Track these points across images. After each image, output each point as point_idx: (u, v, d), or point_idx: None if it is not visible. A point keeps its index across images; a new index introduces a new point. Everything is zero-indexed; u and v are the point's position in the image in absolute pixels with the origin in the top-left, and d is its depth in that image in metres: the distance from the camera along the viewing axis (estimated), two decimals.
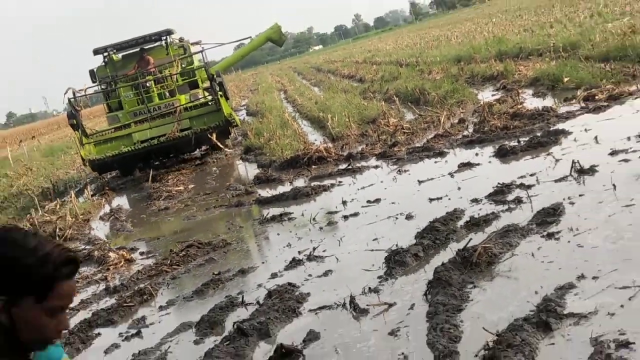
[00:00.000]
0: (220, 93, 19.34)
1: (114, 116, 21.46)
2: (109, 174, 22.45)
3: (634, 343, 4.70)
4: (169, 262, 10.17)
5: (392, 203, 10.39)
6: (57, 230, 14.81)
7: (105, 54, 22.36)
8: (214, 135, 19.11)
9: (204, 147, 21.59)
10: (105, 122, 22.97)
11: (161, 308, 8.44)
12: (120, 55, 22.93)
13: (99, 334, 8.03)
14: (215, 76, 19.86)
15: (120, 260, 11.13)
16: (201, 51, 22.91)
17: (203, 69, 21.66)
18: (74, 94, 19.92)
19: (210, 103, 20.32)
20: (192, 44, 23.56)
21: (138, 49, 22.31)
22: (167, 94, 21.47)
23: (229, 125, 19.69)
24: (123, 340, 7.63)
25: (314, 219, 10.63)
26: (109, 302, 9.12)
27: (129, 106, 20.97)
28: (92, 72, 22.40)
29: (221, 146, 19.96)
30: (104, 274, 10.64)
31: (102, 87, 22.19)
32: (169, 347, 7.03)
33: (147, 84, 21.04)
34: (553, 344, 5.04)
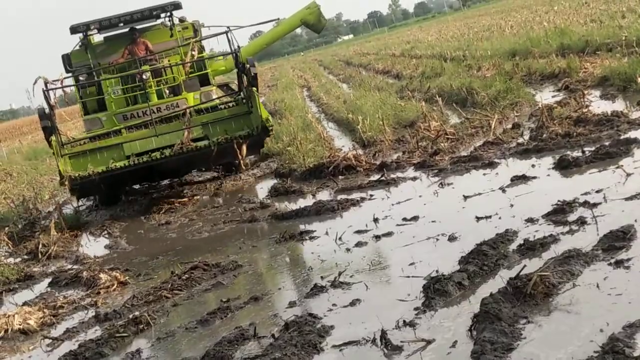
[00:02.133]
0: (254, 89, 16.91)
1: (95, 119, 18.57)
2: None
3: None
4: (169, 286, 10.19)
5: (433, 222, 10.38)
6: (40, 246, 14.89)
7: (85, 33, 19.11)
8: (244, 147, 16.85)
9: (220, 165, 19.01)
10: (81, 128, 20.26)
11: (159, 340, 8.44)
12: (102, 37, 19.92)
13: None
14: (249, 66, 17.19)
15: (113, 282, 11.15)
16: (227, 32, 18.78)
17: (216, 60, 19.81)
18: (46, 84, 17.02)
19: (237, 103, 18.11)
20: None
21: (128, 29, 19.23)
22: (168, 92, 18.71)
23: (266, 133, 16.91)
24: None
25: (339, 238, 10.65)
26: (98, 331, 9.15)
27: (117, 106, 18.21)
28: (66, 58, 19.45)
29: (242, 166, 17.61)
30: (94, 299, 10.68)
31: (81, 77, 19.25)
32: None
33: (144, 77, 17.91)
34: None
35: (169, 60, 19.32)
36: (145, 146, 16.82)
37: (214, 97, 18.97)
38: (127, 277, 11.41)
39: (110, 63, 19.00)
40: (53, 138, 16.47)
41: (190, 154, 16.60)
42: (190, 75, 19.11)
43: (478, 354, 5.91)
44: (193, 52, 19.46)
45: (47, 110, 16.66)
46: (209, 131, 17.09)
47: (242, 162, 17.50)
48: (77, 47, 19.45)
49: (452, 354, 6.21)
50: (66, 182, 16.18)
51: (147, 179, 18.68)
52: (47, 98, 16.91)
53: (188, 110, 17.49)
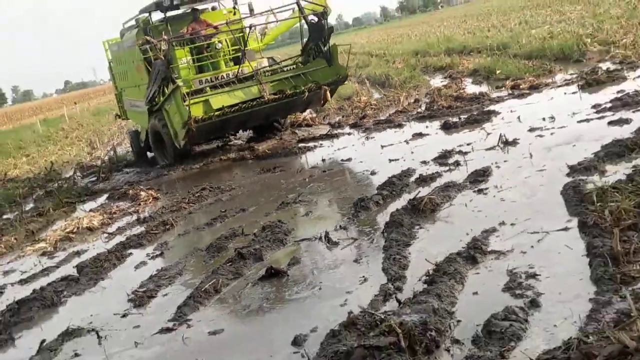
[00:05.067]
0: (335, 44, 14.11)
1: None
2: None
3: (540, 275, 4.76)
4: (186, 200, 10.18)
5: (361, 162, 10.40)
6: (101, 173, 14.75)
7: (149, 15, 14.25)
8: (328, 93, 13.68)
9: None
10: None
11: (179, 236, 8.47)
12: (156, 18, 14.61)
13: (131, 253, 8.06)
14: (324, 21, 13.98)
15: (149, 197, 11.13)
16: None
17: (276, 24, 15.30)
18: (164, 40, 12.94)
19: (302, 62, 14.50)
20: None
21: (190, 10, 14.33)
22: (227, 61, 14.20)
23: (343, 81, 14.38)
24: (149, 259, 7.66)
25: (299, 171, 10.65)
26: (139, 229, 9.15)
27: (193, 72, 13.76)
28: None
29: (311, 115, 14.28)
30: (136, 208, 10.64)
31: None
32: (185, 265, 7.06)
33: (218, 47, 13.84)
34: (478, 273, 5.10)
35: (241, 31, 14.35)
36: (231, 101, 12.87)
37: (266, 63, 14.67)
38: (158, 194, 11.37)
39: (190, 34, 13.84)
40: (181, 85, 12.59)
41: (286, 100, 13.18)
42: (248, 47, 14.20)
43: (387, 248, 5.97)
44: (265, 28, 15.54)
45: (166, 63, 12.71)
46: (284, 86, 13.42)
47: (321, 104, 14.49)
48: (135, 29, 14.49)
49: (370, 247, 6.26)
50: (192, 122, 12.32)
51: (241, 126, 14.44)
52: (167, 53, 12.93)
53: (259, 70, 13.67)
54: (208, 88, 13.23)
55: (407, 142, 11.00)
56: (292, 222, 7.68)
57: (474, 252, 5.36)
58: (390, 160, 9.81)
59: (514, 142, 8.91)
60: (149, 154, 15.38)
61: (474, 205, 6.74)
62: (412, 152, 10.05)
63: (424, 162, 9.12)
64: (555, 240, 5.32)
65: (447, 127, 11.34)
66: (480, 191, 7.14)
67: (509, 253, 5.28)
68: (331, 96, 14.24)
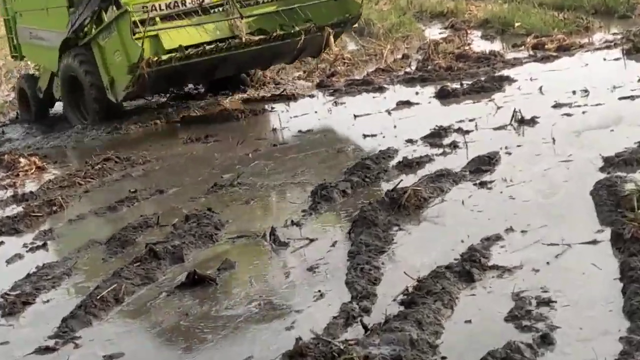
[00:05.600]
0: None
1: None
2: None
3: (555, 302, 4.79)
4: (82, 174, 10.06)
5: (325, 135, 10.41)
6: None
7: None
8: (331, 38, 13.27)
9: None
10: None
11: (71, 221, 8.34)
12: None
13: (2, 242, 7.92)
14: None
15: (31, 167, 10.97)
16: None
17: None
18: None
19: None
20: None
21: None
22: None
23: (354, 23, 14.36)
24: (27, 251, 7.54)
25: (241, 143, 10.60)
26: (15, 210, 8.99)
27: None
28: None
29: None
30: (12, 180, 10.47)
31: None
32: (76, 262, 6.96)
33: None
34: (474, 295, 5.12)
35: None
36: (193, 39, 12.16)
37: None
38: (44, 163, 11.22)
39: None
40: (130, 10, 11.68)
41: (272, 43, 12.67)
42: None
43: (354, 254, 5.97)
44: None
45: None
46: (270, 24, 13.00)
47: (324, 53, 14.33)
48: None
49: (331, 252, 6.26)
50: (143, 66, 11.46)
51: (206, 76, 13.72)
52: None
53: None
54: (158, 19, 12.43)
55: (389, 112, 11.03)
56: (226, 212, 7.64)
57: (470, 266, 5.39)
58: (365, 136, 9.83)
59: (532, 121, 9.01)
60: (52, 110, 15.14)
61: (474, 203, 6.78)
62: (395, 127, 10.08)
63: (410, 141, 9.14)
64: (578, 257, 5.38)
65: (444, 96, 11.39)
66: (483, 184, 7.19)
67: (516, 270, 5.32)
68: (335, 42, 13.79)
